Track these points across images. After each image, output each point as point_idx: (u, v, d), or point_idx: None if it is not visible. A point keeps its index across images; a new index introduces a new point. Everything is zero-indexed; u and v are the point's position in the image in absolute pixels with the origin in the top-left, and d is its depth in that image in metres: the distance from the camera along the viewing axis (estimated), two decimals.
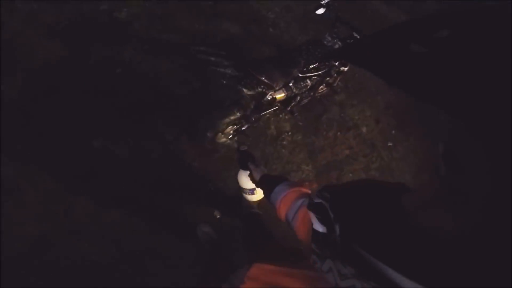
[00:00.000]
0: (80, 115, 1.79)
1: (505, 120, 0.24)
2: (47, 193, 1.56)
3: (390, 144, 2.66)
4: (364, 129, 2.62)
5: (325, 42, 1.85)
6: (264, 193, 0.81)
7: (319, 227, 0.42)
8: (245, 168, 1.01)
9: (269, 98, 1.72)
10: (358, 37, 1.85)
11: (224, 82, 1.56)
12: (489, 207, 0.28)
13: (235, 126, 1.77)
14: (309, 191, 0.71)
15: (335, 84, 2.29)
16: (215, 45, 2.40)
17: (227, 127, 1.70)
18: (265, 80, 1.54)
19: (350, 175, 2.29)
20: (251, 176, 0.98)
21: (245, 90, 1.53)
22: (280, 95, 1.74)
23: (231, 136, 1.85)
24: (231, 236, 1.66)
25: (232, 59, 1.65)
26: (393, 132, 2.76)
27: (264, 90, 1.62)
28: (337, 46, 1.84)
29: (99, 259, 1.49)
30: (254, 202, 1.26)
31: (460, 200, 0.31)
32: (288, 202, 0.68)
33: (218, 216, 1.75)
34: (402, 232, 0.33)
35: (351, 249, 0.35)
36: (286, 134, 2.21)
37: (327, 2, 1.80)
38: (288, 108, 1.98)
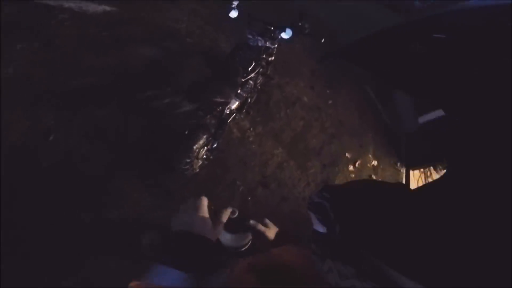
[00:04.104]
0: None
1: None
2: None
3: (330, 102, 3.05)
4: (305, 98, 2.94)
5: (250, 43, 1.98)
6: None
7: (319, 227, 0.42)
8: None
9: (227, 112, 1.84)
10: (272, 28, 2.01)
11: (184, 117, 1.57)
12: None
13: (206, 147, 1.80)
14: None
15: (268, 72, 2.48)
16: (141, 75, 2.28)
17: (199, 152, 1.72)
18: (221, 100, 1.61)
19: (314, 140, 2.58)
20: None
21: (206, 116, 1.59)
22: (235, 105, 1.88)
23: (205, 156, 1.87)
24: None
25: (180, 92, 1.64)
26: (328, 91, 3.17)
27: (221, 108, 1.72)
28: (259, 41, 1.99)
29: None
30: None
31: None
32: None
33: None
34: (402, 232, 0.33)
35: (351, 249, 0.35)
36: (249, 131, 2.34)
37: (237, 4, 1.89)
38: (244, 111, 2.10)
